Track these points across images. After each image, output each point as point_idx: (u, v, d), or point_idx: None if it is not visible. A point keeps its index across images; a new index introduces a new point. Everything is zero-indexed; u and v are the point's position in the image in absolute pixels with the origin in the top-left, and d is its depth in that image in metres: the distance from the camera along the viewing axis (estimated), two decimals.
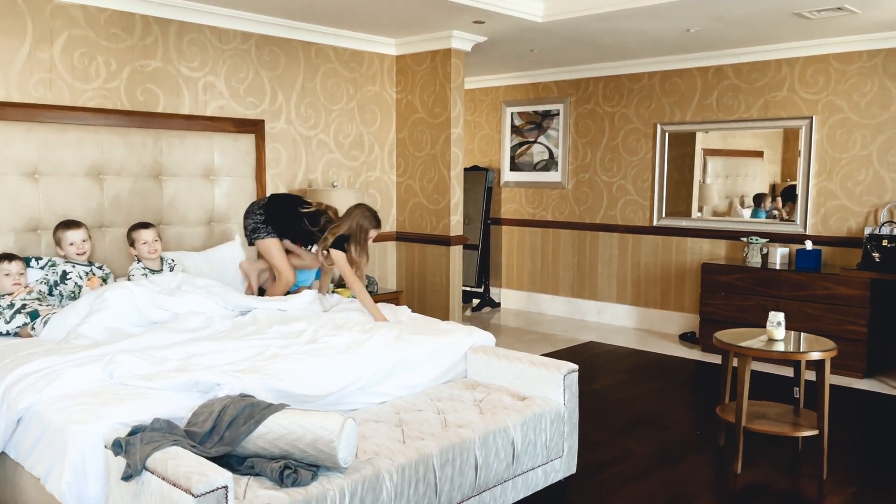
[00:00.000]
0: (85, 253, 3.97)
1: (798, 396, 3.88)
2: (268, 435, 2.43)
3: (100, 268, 4.04)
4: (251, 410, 2.49)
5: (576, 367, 3.33)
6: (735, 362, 3.76)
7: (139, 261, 4.12)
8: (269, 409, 2.50)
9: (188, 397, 2.64)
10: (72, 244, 3.92)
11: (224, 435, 2.44)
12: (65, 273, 3.88)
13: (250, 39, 5.03)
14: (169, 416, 2.56)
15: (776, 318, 3.68)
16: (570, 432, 3.31)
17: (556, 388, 3.26)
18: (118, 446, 2.26)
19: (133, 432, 2.31)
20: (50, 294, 3.86)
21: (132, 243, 4.14)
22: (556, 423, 3.22)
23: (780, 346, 3.61)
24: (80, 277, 3.91)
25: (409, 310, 4.10)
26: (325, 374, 2.99)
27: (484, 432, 2.89)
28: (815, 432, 3.55)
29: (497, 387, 3.42)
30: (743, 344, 3.61)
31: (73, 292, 3.87)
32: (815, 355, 3.50)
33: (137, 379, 2.69)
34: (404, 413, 3.05)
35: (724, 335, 3.79)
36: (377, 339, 3.34)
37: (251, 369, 2.86)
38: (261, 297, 4.00)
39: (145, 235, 4.11)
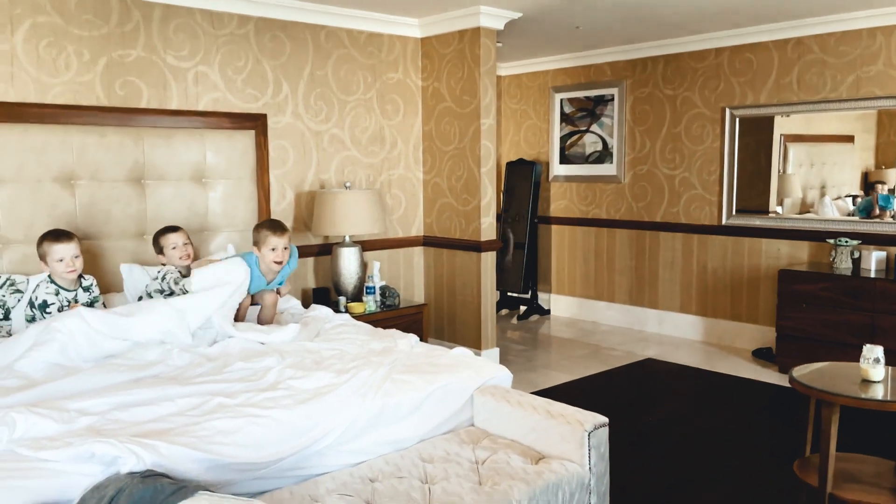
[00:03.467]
0: (75, 271, 3.43)
1: None
2: None
3: (87, 289, 3.50)
4: (153, 497, 1.89)
5: (605, 420, 2.61)
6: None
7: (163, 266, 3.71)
8: (176, 495, 1.89)
9: (87, 472, 2.05)
10: (60, 260, 3.35)
11: None
12: (45, 303, 3.35)
13: (248, 23, 4.46)
14: (58, 499, 1.99)
15: (873, 353, 2.87)
16: (599, 503, 2.60)
17: (579, 447, 2.55)
18: None
19: None
20: (5, 318, 3.38)
21: (160, 250, 3.75)
22: (579, 494, 2.52)
23: (877, 392, 2.80)
24: (61, 311, 3.34)
25: (417, 338, 3.42)
26: (277, 431, 2.37)
27: None
28: None
29: (508, 441, 2.74)
30: (828, 389, 2.81)
31: None
32: None
33: (29, 446, 2.13)
34: (382, 481, 2.40)
35: (805, 374, 3.00)
36: (356, 383, 2.70)
37: (178, 430, 2.26)
38: (243, 325, 3.40)
39: (174, 239, 3.74)
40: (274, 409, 2.46)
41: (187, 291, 3.45)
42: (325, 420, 2.49)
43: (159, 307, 3.22)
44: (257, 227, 3.70)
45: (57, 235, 3.38)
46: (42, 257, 3.39)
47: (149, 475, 1.99)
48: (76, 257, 3.40)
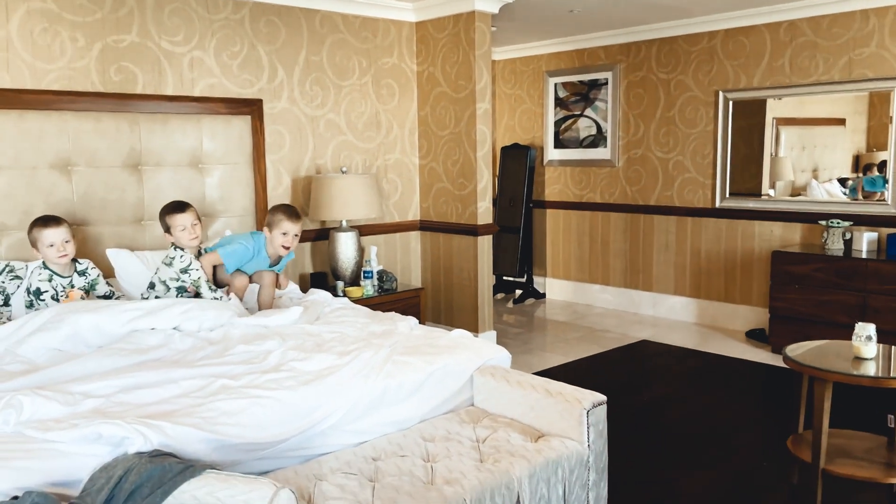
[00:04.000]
0: (66, 255, 3.43)
1: (893, 426, 3.10)
2: None
3: (82, 273, 3.51)
4: (161, 475, 1.93)
5: (604, 398, 2.66)
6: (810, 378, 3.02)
7: (175, 248, 3.59)
8: (184, 474, 1.92)
9: (95, 452, 2.08)
10: (51, 246, 3.34)
11: None
12: (39, 291, 3.35)
13: (244, 8, 4.45)
14: (67, 479, 2.02)
15: (865, 330, 2.92)
16: (598, 480, 2.65)
17: (578, 425, 2.59)
18: None
19: None
20: (5, 305, 3.39)
21: (167, 229, 3.61)
22: (578, 471, 2.56)
23: (870, 369, 2.85)
24: (57, 298, 3.35)
25: (416, 321, 3.46)
26: (281, 413, 2.40)
27: (479, 490, 2.25)
28: None
29: (508, 420, 2.78)
30: (822, 366, 2.86)
31: None
32: None
33: (36, 427, 2.15)
34: (385, 460, 2.44)
35: (798, 352, 3.05)
36: (357, 364, 2.73)
37: (184, 411, 2.29)
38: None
39: (182, 220, 3.58)
40: (277, 390, 2.48)
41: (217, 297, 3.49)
42: (327, 401, 2.52)
43: (177, 310, 3.20)
44: (273, 210, 3.74)
45: (45, 221, 3.37)
46: (33, 244, 3.39)
47: (157, 455, 2.02)
48: (66, 242, 3.38)
